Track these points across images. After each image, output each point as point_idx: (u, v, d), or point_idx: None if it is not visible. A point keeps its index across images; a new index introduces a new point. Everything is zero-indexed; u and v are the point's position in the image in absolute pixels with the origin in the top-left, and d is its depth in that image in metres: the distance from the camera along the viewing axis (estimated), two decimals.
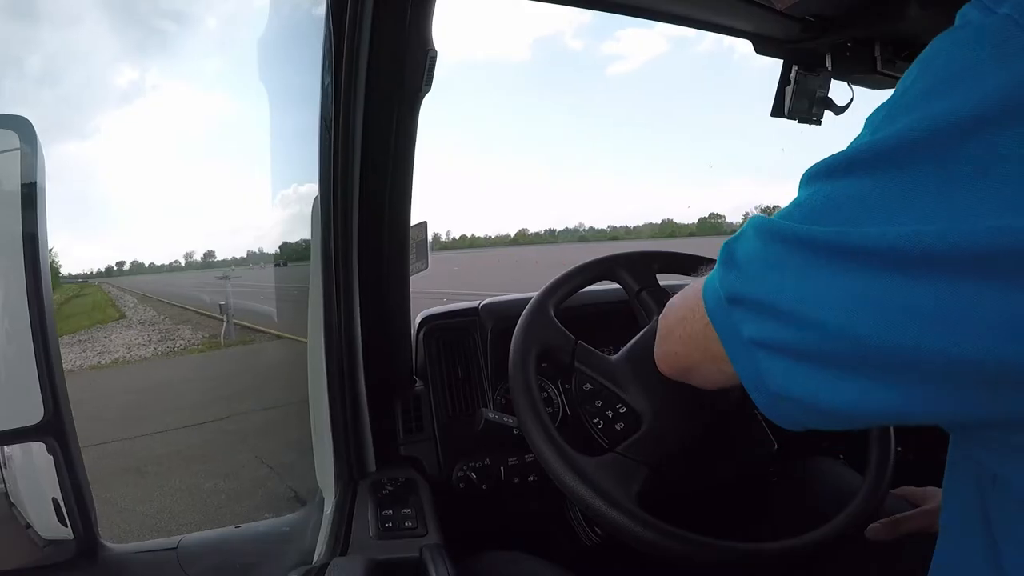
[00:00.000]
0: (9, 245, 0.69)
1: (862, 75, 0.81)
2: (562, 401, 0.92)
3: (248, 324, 8.51)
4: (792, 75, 0.83)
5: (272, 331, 7.68)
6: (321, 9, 0.75)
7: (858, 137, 0.31)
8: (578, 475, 0.59)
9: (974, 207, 0.25)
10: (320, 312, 0.79)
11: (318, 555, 0.74)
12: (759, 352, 0.34)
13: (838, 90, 0.86)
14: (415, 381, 0.97)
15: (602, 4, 0.80)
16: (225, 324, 7.97)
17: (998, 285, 0.25)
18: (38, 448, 0.72)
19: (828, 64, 0.81)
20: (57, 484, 0.73)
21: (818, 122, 0.86)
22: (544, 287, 0.74)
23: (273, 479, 2.99)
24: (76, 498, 0.72)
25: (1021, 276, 0.24)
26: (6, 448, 0.78)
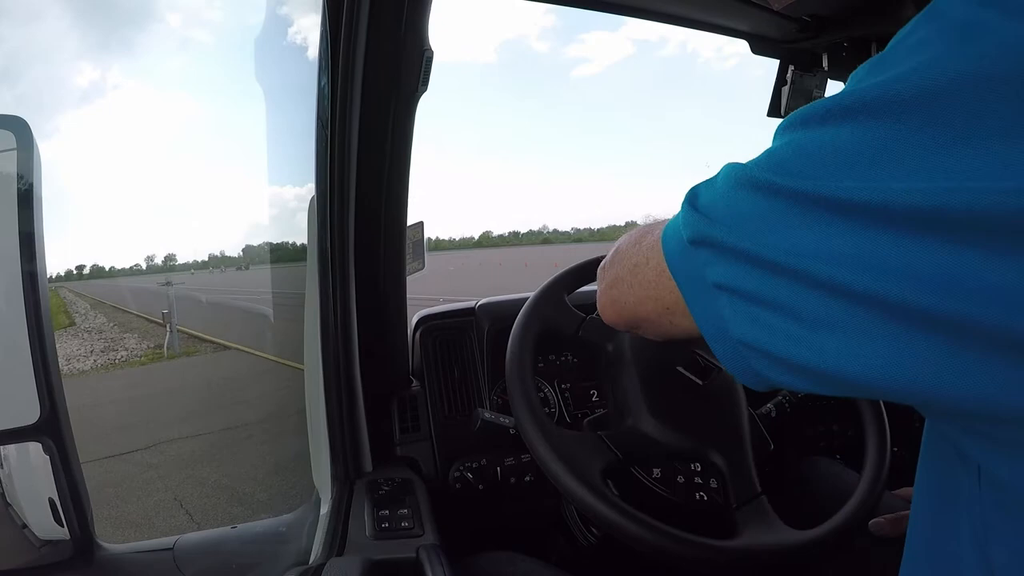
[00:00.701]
0: (6, 245, 0.69)
1: None
2: (559, 401, 0.92)
3: (196, 333, 8.09)
4: (788, 75, 0.83)
5: (220, 341, 7.42)
6: (318, 9, 0.75)
7: (842, 89, 0.29)
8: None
9: (968, 167, 0.23)
10: (316, 312, 0.79)
11: (314, 555, 0.74)
12: (723, 296, 0.32)
13: (834, 90, 0.86)
14: (411, 381, 0.97)
15: (600, 4, 0.80)
16: (168, 334, 7.55)
17: (996, 249, 0.23)
18: (34, 448, 0.72)
19: (824, 64, 0.81)
20: (53, 484, 0.73)
21: None
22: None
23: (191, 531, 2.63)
24: (72, 498, 0.73)
25: (1018, 241, 0.23)
26: (2, 448, 0.78)
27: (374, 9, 0.73)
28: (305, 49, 0.81)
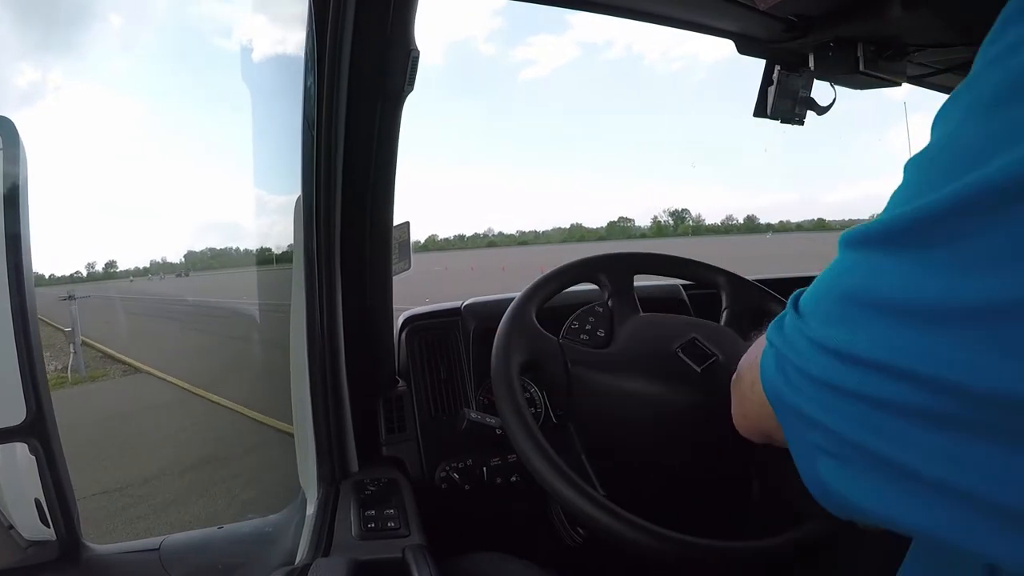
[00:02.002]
0: None
1: (845, 75, 0.82)
2: (545, 402, 0.93)
3: (111, 351, 7.09)
4: (775, 75, 0.84)
5: (132, 362, 6.52)
6: (304, 8, 0.76)
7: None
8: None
9: None
10: (303, 312, 0.80)
11: (300, 556, 0.75)
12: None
13: (820, 90, 0.87)
14: (397, 381, 0.98)
15: (585, 4, 0.81)
16: (72, 356, 6.64)
17: None
18: (20, 449, 0.73)
19: (810, 64, 0.82)
20: (39, 485, 0.73)
21: (800, 122, 0.87)
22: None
23: None
24: (59, 499, 0.73)
25: None
26: None
27: (360, 8, 0.74)
28: (291, 48, 0.82)
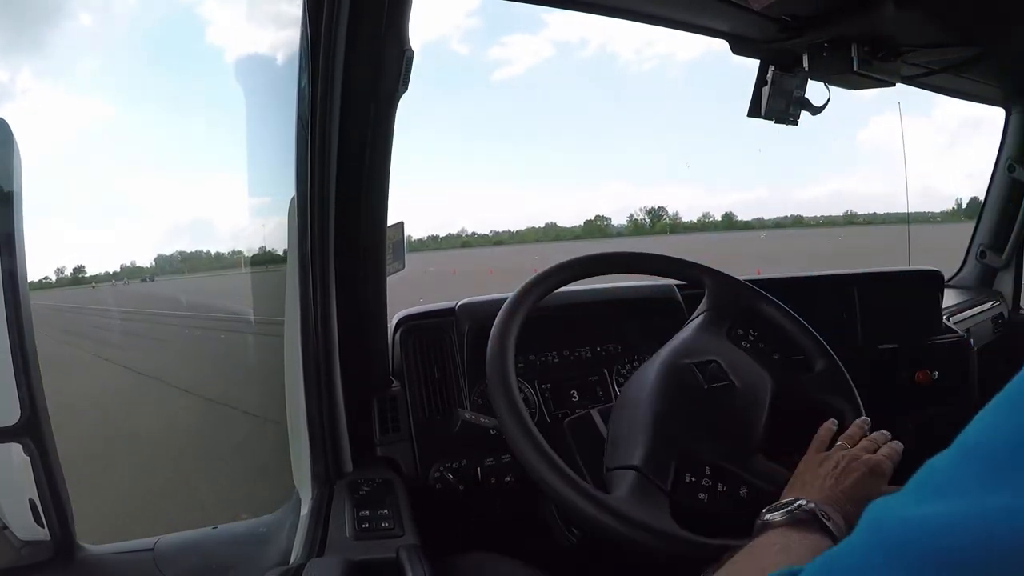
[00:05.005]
0: None
1: (839, 75, 0.83)
2: (539, 401, 0.94)
3: None
4: (769, 75, 0.85)
5: None
6: (298, 8, 0.77)
7: None
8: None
9: None
10: (296, 312, 0.81)
11: (295, 556, 0.77)
12: None
13: (814, 90, 0.88)
14: (392, 381, 0.99)
15: (578, 4, 0.82)
16: None
17: None
18: (15, 449, 0.74)
19: (805, 64, 0.83)
20: (34, 485, 0.74)
21: (795, 122, 0.88)
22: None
23: None
24: (53, 499, 0.75)
25: None
26: None
27: (354, 7, 0.75)
28: (285, 48, 0.83)
